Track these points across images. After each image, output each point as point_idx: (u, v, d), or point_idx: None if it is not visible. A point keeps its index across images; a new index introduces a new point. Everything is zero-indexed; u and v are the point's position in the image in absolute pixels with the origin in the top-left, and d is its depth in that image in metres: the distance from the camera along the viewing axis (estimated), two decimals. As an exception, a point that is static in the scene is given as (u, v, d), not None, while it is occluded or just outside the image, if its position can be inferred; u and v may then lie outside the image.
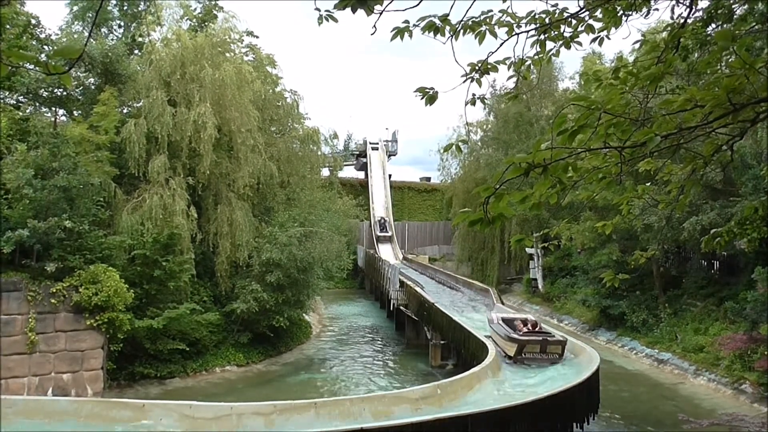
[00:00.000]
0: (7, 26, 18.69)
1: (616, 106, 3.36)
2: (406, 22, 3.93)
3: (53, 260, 16.92)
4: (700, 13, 4.98)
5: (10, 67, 2.11)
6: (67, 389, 16.92)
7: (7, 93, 19.97)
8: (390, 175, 53.72)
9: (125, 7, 25.61)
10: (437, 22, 4.04)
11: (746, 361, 18.53)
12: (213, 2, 27.52)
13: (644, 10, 4.65)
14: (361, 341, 28.03)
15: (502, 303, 27.07)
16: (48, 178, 17.13)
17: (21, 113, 19.97)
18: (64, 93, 21.08)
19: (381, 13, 3.34)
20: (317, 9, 3.56)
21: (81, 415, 12.12)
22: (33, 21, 20.45)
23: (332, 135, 34.67)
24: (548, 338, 16.66)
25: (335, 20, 3.62)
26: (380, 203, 49.82)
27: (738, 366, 18.77)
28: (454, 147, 4.52)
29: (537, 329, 17.57)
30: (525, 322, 18.15)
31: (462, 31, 4.19)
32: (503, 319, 18.46)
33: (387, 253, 44.15)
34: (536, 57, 4.60)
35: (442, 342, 22.45)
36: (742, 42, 3.24)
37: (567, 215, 28.03)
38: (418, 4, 3.60)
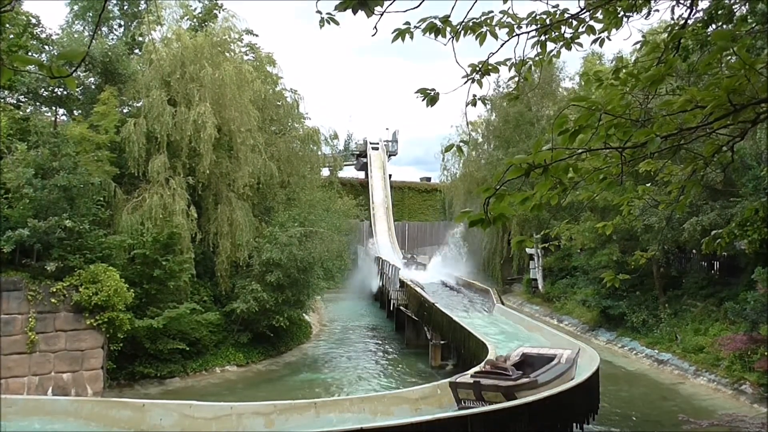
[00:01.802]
0: (7, 25, 18.68)
1: (616, 107, 3.37)
2: (407, 23, 3.93)
3: (53, 260, 16.92)
4: (701, 13, 4.99)
5: (13, 72, 2.11)
6: (67, 389, 16.92)
7: (8, 92, 19.97)
8: (390, 175, 53.74)
9: (125, 7, 25.63)
10: (438, 23, 4.04)
11: (746, 362, 18.52)
12: (213, 2, 27.53)
13: (645, 11, 4.65)
14: (361, 341, 28.03)
15: (503, 303, 27.10)
16: (48, 178, 17.14)
17: (21, 113, 19.97)
18: (65, 93, 21.07)
19: (382, 15, 3.35)
20: (319, 12, 3.56)
21: (81, 414, 12.14)
22: (33, 21, 20.44)
23: (332, 135, 34.63)
24: (482, 382, 12.40)
25: (336, 23, 3.62)
26: (380, 203, 49.85)
27: (738, 366, 18.76)
28: (455, 147, 4.52)
29: (497, 368, 13.08)
30: (503, 360, 13.79)
31: (463, 32, 4.20)
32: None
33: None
34: (537, 58, 4.60)
35: (442, 342, 22.45)
36: (742, 43, 3.24)
37: (567, 216, 28.02)
38: (419, 5, 3.60)
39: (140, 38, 24.57)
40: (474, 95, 4.57)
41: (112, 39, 24.95)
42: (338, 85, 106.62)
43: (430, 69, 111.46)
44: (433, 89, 4.21)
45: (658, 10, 4.80)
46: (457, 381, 12.72)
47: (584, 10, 4.53)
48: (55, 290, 16.97)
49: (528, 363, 13.88)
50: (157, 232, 19.95)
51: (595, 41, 4.74)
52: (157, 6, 24.47)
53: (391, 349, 26.42)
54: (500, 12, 4.35)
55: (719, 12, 5.03)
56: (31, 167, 16.95)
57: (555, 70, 37.65)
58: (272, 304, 21.96)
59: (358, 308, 38.68)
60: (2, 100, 19.82)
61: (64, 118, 22.33)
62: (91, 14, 24.54)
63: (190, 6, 26.68)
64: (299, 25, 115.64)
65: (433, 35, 4.05)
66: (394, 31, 3.94)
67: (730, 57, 3.46)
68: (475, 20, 4.24)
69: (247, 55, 27.83)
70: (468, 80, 4.43)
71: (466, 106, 4.64)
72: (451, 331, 21.20)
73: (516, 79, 4.82)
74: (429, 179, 59.11)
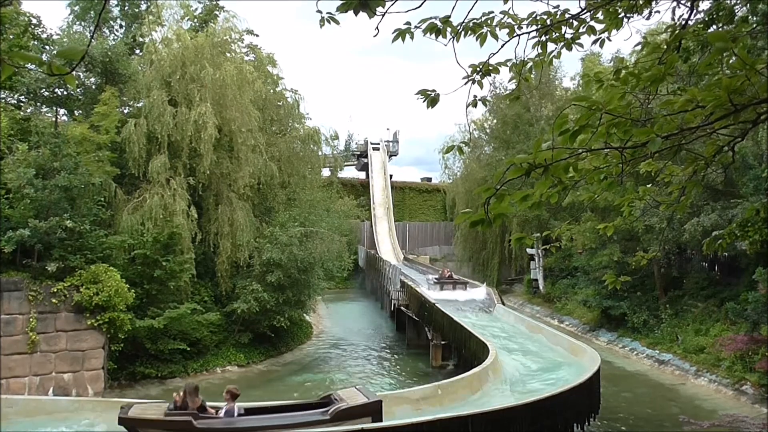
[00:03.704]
0: (8, 26, 18.70)
1: (617, 107, 3.36)
2: (408, 23, 3.93)
3: (54, 260, 16.93)
4: (702, 14, 4.98)
5: (13, 69, 2.11)
6: (68, 389, 16.93)
7: (8, 93, 19.99)
8: (391, 176, 53.76)
9: (126, 7, 25.65)
10: (438, 24, 4.04)
11: (747, 362, 18.52)
12: (214, 2, 27.55)
13: (645, 11, 4.65)
14: (361, 341, 28.02)
15: (503, 303, 27.07)
16: (49, 178, 17.15)
17: (22, 113, 19.98)
18: (65, 93, 21.09)
19: (383, 15, 3.35)
20: (319, 11, 3.56)
21: (82, 415, 12.13)
22: (34, 21, 20.47)
23: (333, 135, 34.71)
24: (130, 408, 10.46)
25: (337, 23, 3.62)
26: (381, 203, 49.88)
27: (739, 367, 18.76)
28: (456, 149, 4.52)
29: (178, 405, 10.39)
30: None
31: (463, 32, 4.19)
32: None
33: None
34: (537, 58, 4.60)
35: (442, 342, 22.43)
36: (743, 43, 3.24)
37: (568, 216, 28.02)
38: (420, 6, 3.61)
39: (141, 39, 24.59)
40: (474, 96, 4.57)
41: (113, 39, 24.96)
42: (339, 86, 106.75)
43: (431, 69, 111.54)
44: (434, 90, 4.21)
45: (659, 11, 4.80)
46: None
47: (585, 11, 4.52)
48: (55, 290, 16.98)
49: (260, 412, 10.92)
50: (157, 232, 19.96)
51: (595, 42, 4.74)
52: (157, 6, 24.48)
53: (391, 350, 26.42)
54: (501, 12, 4.35)
55: (720, 13, 5.03)
56: (32, 167, 16.95)
57: (553, 70, 37.69)
58: (273, 305, 21.97)
59: (359, 308, 38.70)
60: (3, 101, 19.84)
61: (64, 118, 22.34)
62: (92, 14, 24.57)
63: (191, 6, 26.69)
64: (300, 25, 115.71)
65: (433, 36, 4.05)
66: (395, 31, 3.94)
67: (730, 57, 3.46)
68: (475, 21, 4.24)
69: (247, 55, 27.84)
70: (468, 81, 4.43)
71: (467, 107, 4.64)
72: (452, 331, 21.19)
73: (516, 80, 4.81)
74: (430, 179, 59.16)
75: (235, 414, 10.32)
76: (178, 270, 19.99)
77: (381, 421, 10.61)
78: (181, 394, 10.39)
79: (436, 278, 30.44)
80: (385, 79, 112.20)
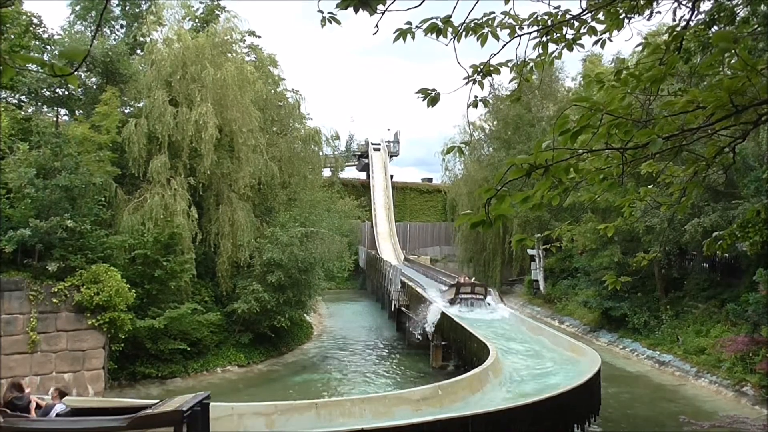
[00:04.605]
0: (9, 25, 18.70)
1: (618, 108, 3.36)
2: (409, 23, 3.93)
3: (55, 260, 16.94)
4: (703, 15, 4.98)
5: (15, 70, 2.11)
6: (68, 389, 16.89)
7: (9, 92, 20.00)
8: (392, 176, 53.78)
9: (127, 7, 25.66)
10: (439, 24, 4.03)
11: (747, 363, 18.50)
12: (215, 2, 27.56)
13: (646, 12, 4.64)
14: (361, 342, 28.02)
15: (504, 303, 27.08)
16: (50, 178, 17.16)
17: (23, 113, 19.99)
18: (66, 93, 21.09)
19: (383, 14, 3.34)
20: (320, 11, 3.56)
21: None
22: (35, 21, 20.48)
23: (334, 135, 34.75)
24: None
25: (338, 22, 3.62)
26: (382, 204, 49.90)
27: (739, 368, 18.74)
28: (456, 150, 4.51)
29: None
30: None
31: (464, 33, 4.19)
32: None
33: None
34: (538, 59, 4.59)
35: (443, 343, 22.44)
36: (745, 44, 3.24)
37: (568, 217, 28.02)
38: (420, 5, 3.60)
39: (142, 38, 24.60)
40: (475, 96, 4.56)
41: (114, 39, 24.97)
42: (340, 86, 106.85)
43: (431, 69, 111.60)
44: (434, 90, 4.20)
45: (659, 12, 4.79)
46: None
47: (586, 11, 4.52)
48: (56, 290, 16.98)
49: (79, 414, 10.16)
50: (158, 232, 19.96)
51: (596, 42, 4.73)
52: (158, 6, 24.49)
53: (392, 350, 26.41)
54: (502, 13, 4.34)
55: (721, 14, 5.02)
56: (33, 167, 16.96)
57: (555, 71, 37.67)
58: (273, 305, 21.96)
59: (359, 309, 38.69)
60: (4, 100, 19.84)
61: (65, 118, 22.34)
62: (93, 14, 24.58)
63: (192, 6, 26.70)
64: (302, 25, 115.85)
65: (434, 36, 4.04)
66: (396, 31, 3.93)
67: (731, 58, 3.46)
68: (476, 21, 4.23)
69: (248, 55, 27.86)
70: (469, 81, 4.43)
71: (468, 107, 4.64)
72: (452, 331, 21.18)
73: (517, 80, 4.81)
74: (431, 180, 59.16)
75: (53, 413, 9.80)
76: (178, 270, 19.99)
77: None
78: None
79: (447, 290, 26.79)
80: (386, 79, 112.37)
